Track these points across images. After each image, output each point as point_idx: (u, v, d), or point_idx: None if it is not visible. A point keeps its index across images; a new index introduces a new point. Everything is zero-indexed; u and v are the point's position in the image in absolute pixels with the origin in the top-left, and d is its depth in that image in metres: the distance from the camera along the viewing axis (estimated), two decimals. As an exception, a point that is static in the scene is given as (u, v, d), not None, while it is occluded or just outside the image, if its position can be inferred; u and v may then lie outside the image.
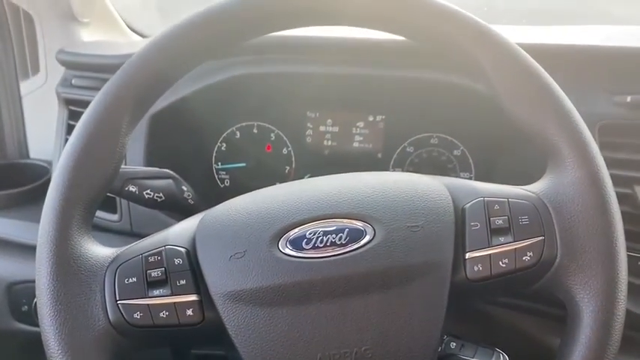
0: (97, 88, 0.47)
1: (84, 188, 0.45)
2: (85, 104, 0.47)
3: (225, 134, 0.89)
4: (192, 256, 0.45)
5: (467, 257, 0.43)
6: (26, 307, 0.85)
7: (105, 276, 0.44)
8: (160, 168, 0.62)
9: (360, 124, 0.87)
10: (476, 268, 0.43)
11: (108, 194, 0.49)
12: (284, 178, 0.90)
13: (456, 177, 0.81)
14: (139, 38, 1.12)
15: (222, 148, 0.90)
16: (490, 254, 0.43)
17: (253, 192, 0.50)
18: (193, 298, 0.43)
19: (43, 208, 0.45)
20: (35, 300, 0.43)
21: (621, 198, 0.45)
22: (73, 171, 0.44)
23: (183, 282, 0.43)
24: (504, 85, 0.47)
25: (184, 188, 0.61)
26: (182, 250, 0.45)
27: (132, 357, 0.45)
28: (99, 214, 0.81)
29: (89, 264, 0.44)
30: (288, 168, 0.90)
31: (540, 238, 0.43)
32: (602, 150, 0.46)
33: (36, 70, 1.01)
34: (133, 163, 0.77)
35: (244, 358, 0.42)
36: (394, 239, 0.43)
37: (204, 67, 0.76)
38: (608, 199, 0.43)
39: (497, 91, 0.47)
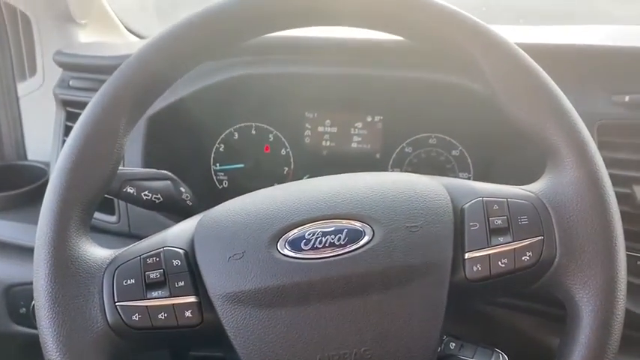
0: (95, 90, 0.47)
1: (82, 190, 0.45)
2: (82, 105, 0.47)
3: (223, 135, 0.89)
4: (190, 257, 0.45)
5: (466, 257, 0.43)
6: (24, 309, 0.84)
7: (103, 278, 0.43)
8: (158, 169, 0.61)
9: (359, 124, 0.87)
10: (475, 269, 0.43)
11: (106, 196, 0.49)
12: (282, 179, 0.90)
13: (455, 177, 0.81)
14: (136, 39, 1.12)
15: (221, 149, 0.90)
16: (489, 254, 0.43)
17: (252, 193, 0.49)
18: (192, 299, 0.43)
19: (40, 209, 0.44)
20: (33, 302, 0.43)
21: (620, 198, 0.45)
22: (71, 172, 0.44)
23: (181, 283, 0.43)
24: (503, 85, 0.47)
25: (182, 189, 0.61)
26: (180, 251, 0.45)
27: (130, 359, 0.45)
28: (97, 215, 0.81)
29: (87, 266, 0.43)
30: (286, 169, 0.90)
31: (539, 237, 0.43)
32: (601, 149, 0.46)
33: (33, 71, 1.01)
34: (131, 165, 0.77)
35: (243, 359, 0.42)
36: (393, 240, 0.43)
37: (203, 68, 0.76)
38: (607, 198, 0.43)
39: (495, 90, 0.47)
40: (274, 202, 0.46)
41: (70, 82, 0.85)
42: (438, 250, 0.43)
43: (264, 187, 0.50)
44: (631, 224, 0.64)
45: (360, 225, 0.44)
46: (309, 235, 0.43)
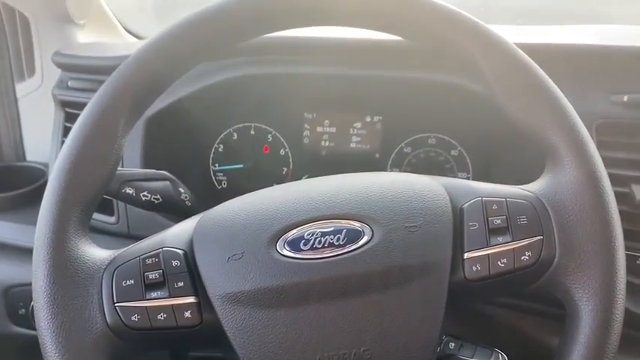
0: (94, 90, 0.47)
1: (80, 190, 0.44)
2: (81, 106, 0.47)
3: (222, 136, 0.89)
4: (189, 258, 0.45)
5: (465, 257, 0.43)
6: (23, 310, 0.84)
7: (102, 278, 0.43)
8: (157, 170, 0.61)
9: (358, 124, 0.87)
10: (474, 268, 0.43)
11: (105, 196, 0.49)
12: (281, 180, 0.90)
13: (454, 177, 0.82)
14: (135, 40, 1.12)
15: (220, 149, 0.90)
16: (488, 254, 0.43)
17: (251, 193, 0.49)
18: (191, 300, 0.43)
19: (39, 210, 0.44)
20: (32, 303, 0.43)
21: (619, 197, 0.45)
22: (70, 173, 0.44)
23: (181, 284, 0.43)
24: (502, 85, 0.47)
25: (181, 190, 0.61)
26: (180, 252, 0.45)
27: None
28: (96, 216, 0.80)
29: (86, 266, 0.43)
30: (285, 169, 0.90)
31: (539, 237, 0.43)
32: (600, 149, 0.46)
33: (32, 72, 1.00)
34: (130, 165, 0.77)
35: (243, 359, 0.42)
36: (392, 240, 0.43)
37: (201, 69, 0.76)
38: (606, 198, 0.43)
39: (494, 90, 0.47)
40: (273, 202, 0.46)
41: (69, 83, 0.85)
42: (437, 250, 0.43)
43: (263, 188, 0.50)
44: (630, 224, 0.64)
45: (359, 225, 0.44)
46: (308, 235, 0.43)
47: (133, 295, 0.43)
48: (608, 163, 0.46)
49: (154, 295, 0.43)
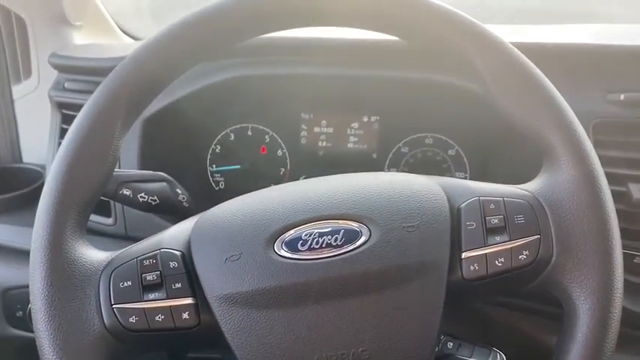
0: (90, 92, 0.47)
1: (77, 192, 0.44)
2: (78, 108, 0.47)
3: (219, 136, 0.89)
4: (187, 259, 0.44)
5: (463, 257, 0.43)
6: (21, 312, 0.84)
7: (100, 280, 0.43)
8: (155, 171, 0.61)
9: (355, 124, 0.87)
10: (472, 268, 0.43)
11: (102, 198, 0.49)
12: (279, 180, 0.90)
13: (451, 177, 0.82)
14: (131, 41, 1.12)
15: (217, 150, 0.90)
16: (486, 253, 0.43)
17: (248, 194, 0.49)
18: (189, 301, 0.43)
19: (36, 212, 0.44)
20: (30, 305, 0.43)
21: (616, 196, 0.46)
22: (66, 175, 0.44)
23: (178, 285, 0.43)
24: (498, 85, 0.47)
25: (179, 191, 0.61)
26: (177, 253, 0.44)
27: None
28: (93, 217, 0.80)
29: (84, 268, 0.43)
30: (283, 170, 0.90)
31: (536, 236, 0.43)
32: (597, 148, 0.46)
33: (28, 73, 1.00)
34: (127, 167, 0.77)
35: None
36: (390, 240, 0.43)
37: (198, 70, 0.76)
38: (603, 197, 0.43)
39: (491, 90, 0.47)
40: (271, 203, 0.46)
41: (66, 85, 0.84)
42: (435, 250, 0.43)
43: (260, 188, 0.50)
44: (627, 222, 0.64)
45: (356, 225, 0.44)
46: (305, 235, 0.43)
47: (130, 296, 0.43)
48: (605, 162, 0.46)
49: (151, 296, 0.43)
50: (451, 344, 0.49)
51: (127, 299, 0.42)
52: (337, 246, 0.43)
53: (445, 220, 0.44)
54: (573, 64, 0.71)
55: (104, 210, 0.80)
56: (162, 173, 0.61)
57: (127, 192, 0.57)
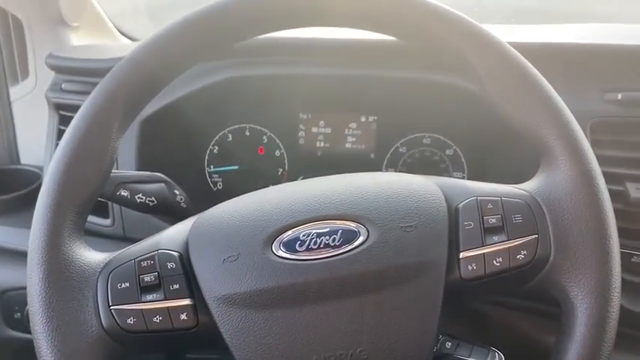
0: (88, 93, 0.47)
1: (75, 193, 0.44)
2: (75, 109, 0.47)
3: (217, 137, 0.89)
4: (185, 260, 0.44)
5: (461, 257, 0.43)
6: (19, 314, 0.84)
7: (97, 281, 0.43)
8: (152, 172, 0.61)
9: (353, 125, 0.87)
10: (470, 268, 0.43)
11: (99, 199, 0.49)
12: (277, 181, 0.90)
13: (449, 177, 0.82)
14: (129, 42, 1.12)
15: (215, 151, 0.90)
16: (484, 253, 0.43)
17: (246, 195, 0.49)
18: (187, 302, 0.43)
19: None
20: (28, 307, 0.43)
21: (613, 195, 0.46)
22: (64, 176, 0.44)
23: (176, 286, 0.43)
24: (496, 85, 0.47)
25: (176, 192, 0.61)
26: (175, 254, 0.44)
27: None
28: (91, 219, 0.80)
29: (81, 270, 0.43)
30: (280, 170, 0.90)
31: (534, 236, 0.43)
32: (594, 147, 0.46)
33: (25, 75, 1.00)
34: (125, 167, 0.77)
35: None
36: (388, 240, 0.43)
37: (196, 70, 0.76)
38: (600, 196, 0.43)
39: (488, 90, 0.47)
40: (268, 203, 0.46)
41: (63, 86, 0.84)
42: (433, 250, 0.43)
43: (258, 189, 0.50)
44: (625, 222, 0.64)
45: (354, 225, 0.44)
46: (303, 236, 0.43)
47: (128, 297, 0.42)
48: (602, 161, 0.46)
49: (149, 297, 0.43)
50: (449, 344, 0.49)
51: (124, 300, 0.42)
52: (335, 246, 0.43)
53: (443, 220, 0.44)
54: (570, 64, 0.71)
55: (102, 211, 0.80)
56: (159, 174, 0.61)
57: (124, 193, 0.57)
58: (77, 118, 0.46)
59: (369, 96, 0.83)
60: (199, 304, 0.43)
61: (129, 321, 0.42)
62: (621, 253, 0.43)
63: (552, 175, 0.45)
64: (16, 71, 1.01)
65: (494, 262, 0.43)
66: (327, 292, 0.42)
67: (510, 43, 0.47)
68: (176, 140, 0.84)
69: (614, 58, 0.71)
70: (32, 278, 0.42)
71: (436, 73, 0.74)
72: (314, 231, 0.43)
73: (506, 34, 0.78)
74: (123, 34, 1.11)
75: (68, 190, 0.44)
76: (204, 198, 0.89)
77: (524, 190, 0.46)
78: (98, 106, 0.46)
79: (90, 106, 0.46)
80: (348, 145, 0.88)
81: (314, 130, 0.87)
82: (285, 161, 0.89)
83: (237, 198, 0.49)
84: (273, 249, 0.43)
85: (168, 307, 0.42)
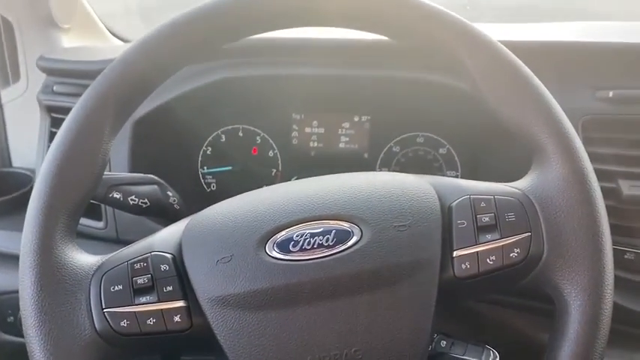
0: (79, 95, 0.47)
1: (66, 196, 0.44)
2: (67, 111, 0.47)
3: (210, 138, 0.89)
4: (178, 261, 0.44)
5: (454, 255, 0.43)
6: (12, 317, 0.83)
7: (90, 284, 0.43)
8: (146, 173, 0.61)
9: (346, 124, 0.87)
10: (464, 266, 0.43)
11: (92, 201, 0.49)
12: (271, 181, 0.90)
13: (443, 175, 0.82)
14: (121, 43, 1.11)
15: (208, 152, 0.89)
16: (477, 252, 0.43)
17: (239, 195, 0.49)
18: (181, 304, 0.43)
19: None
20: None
21: (606, 192, 0.46)
22: (55, 178, 0.44)
23: (170, 288, 0.43)
24: (488, 84, 0.47)
25: (170, 193, 0.61)
26: (168, 256, 0.44)
27: None
28: (84, 221, 0.80)
29: (74, 272, 0.43)
30: (274, 170, 0.90)
31: (527, 234, 0.43)
32: (586, 145, 0.46)
33: (16, 77, 0.99)
34: (118, 169, 0.77)
35: None
36: (381, 239, 0.43)
37: (189, 71, 0.76)
38: (592, 194, 0.43)
39: (481, 89, 0.48)
40: (262, 204, 0.46)
41: (54, 88, 0.84)
42: (427, 249, 0.43)
43: (252, 190, 0.50)
44: (617, 219, 0.64)
45: (348, 225, 0.44)
46: (297, 236, 0.43)
47: (121, 300, 0.42)
48: (595, 158, 0.47)
49: (142, 299, 0.42)
50: (444, 342, 0.49)
51: (118, 303, 0.42)
52: (329, 246, 0.43)
53: (436, 218, 0.44)
54: (562, 62, 0.71)
55: (95, 213, 0.79)
56: (152, 176, 0.61)
57: (117, 195, 0.57)
58: (68, 120, 0.46)
59: (362, 96, 0.83)
60: (193, 306, 0.43)
61: (122, 323, 0.42)
62: (614, 250, 0.44)
63: (545, 173, 0.45)
64: (7, 74, 1.00)
65: (488, 260, 0.43)
66: (320, 293, 0.42)
67: (502, 42, 0.48)
68: (169, 141, 0.83)
69: (605, 55, 0.71)
70: (24, 282, 0.42)
71: (429, 73, 0.74)
72: (307, 231, 0.43)
73: (499, 32, 0.78)
74: (114, 35, 1.11)
75: (60, 192, 0.44)
76: (197, 199, 0.89)
77: (516, 188, 0.46)
78: (89, 108, 0.46)
79: (81, 108, 0.46)
80: (341, 145, 0.88)
81: (307, 130, 0.87)
82: (279, 162, 0.89)
83: (230, 199, 0.49)
84: (267, 250, 0.43)
85: (161, 309, 0.42)
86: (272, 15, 0.49)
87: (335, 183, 0.48)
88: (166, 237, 0.46)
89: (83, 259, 0.44)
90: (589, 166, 0.44)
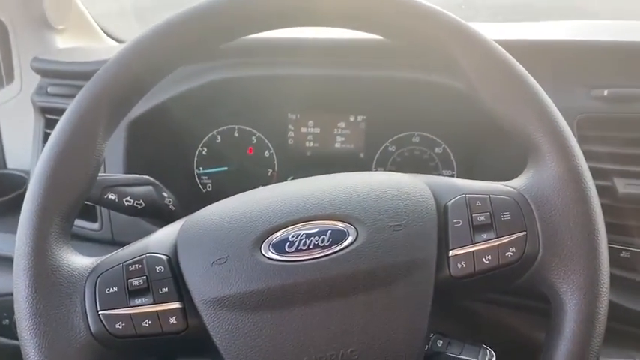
0: (74, 96, 0.47)
1: (60, 198, 0.44)
2: (61, 112, 0.46)
3: (206, 139, 0.89)
4: (174, 263, 0.44)
5: (450, 255, 0.43)
6: (7, 320, 0.83)
7: (85, 286, 0.43)
8: (141, 174, 0.61)
9: (342, 124, 0.87)
10: (459, 266, 0.43)
11: (87, 203, 0.48)
12: (267, 181, 0.89)
13: (439, 175, 0.82)
14: (116, 44, 1.11)
15: (204, 152, 0.89)
16: (473, 251, 0.43)
17: (234, 196, 0.49)
18: (176, 305, 0.42)
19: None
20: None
21: (601, 191, 0.46)
22: (49, 180, 0.43)
23: (165, 290, 0.43)
24: (483, 83, 0.47)
25: (165, 194, 0.60)
26: (163, 257, 0.44)
27: None
28: (79, 223, 0.80)
29: (68, 275, 0.43)
30: (270, 171, 0.89)
31: (522, 233, 0.43)
32: (581, 143, 0.46)
33: (11, 78, 0.99)
34: (113, 170, 0.76)
35: None
36: (377, 239, 0.43)
37: (184, 72, 0.76)
38: (587, 192, 0.43)
39: (476, 89, 0.48)
40: (257, 204, 0.46)
41: (49, 89, 0.83)
42: (422, 249, 0.43)
43: (248, 190, 0.50)
44: (613, 217, 0.64)
45: (343, 225, 0.44)
46: (292, 237, 0.43)
47: (116, 302, 0.42)
48: (590, 157, 0.47)
49: (138, 301, 0.42)
50: (441, 342, 0.49)
51: (113, 305, 0.42)
52: (325, 246, 0.43)
53: (432, 218, 0.44)
54: (557, 61, 0.71)
55: (90, 215, 0.79)
56: (147, 177, 0.61)
57: (112, 196, 0.56)
58: (62, 122, 0.45)
59: (357, 96, 0.83)
60: (189, 307, 0.42)
61: (117, 325, 0.41)
62: (610, 248, 0.44)
63: (540, 172, 0.45)
64: (1, 75, 1.00)
65: (484, 259, 0.43)
66: (316, 293, 0.42)
67: (497, 41, 0.48)
68: (165, 142, 0.83)
69: (600, 54, 0.72)
70: (18, 284, 0.42)
71: (424, 72, 0.74)
72: (303, 231, 0.43)
73: (494, 31, 0.78)
74: (109, 35, 1.10)
75: (54, 194, 0.43)
76: (193, 200, 0.89)
77: (512, 187, 0.46)
78: (83, 109, 0.45)
79: (75, 109, 0.45)
80: (337, 145, 0.88)
81: (303, 130, 0.87)
82: (275, 162, 0.89)
83: (225, 200, 0.49)
84: (262, 250, 0.43)
85: (157, 311, 0.42)
86: (267, 15, 0.48)
87: (330, 183, 0.47)
88: (161, 238, 0.46)
89: (78, 261, 0.44)
90: (584, 165, 0.44)
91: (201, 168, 0.90)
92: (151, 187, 0.60)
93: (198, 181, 0.90)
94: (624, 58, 0.71)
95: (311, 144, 0.88)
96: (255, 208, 0.46)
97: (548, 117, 0.45)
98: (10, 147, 1.03)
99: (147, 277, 0.43)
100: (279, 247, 0.43)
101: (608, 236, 0.44)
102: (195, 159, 0.89)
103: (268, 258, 0.43)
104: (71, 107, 0.46)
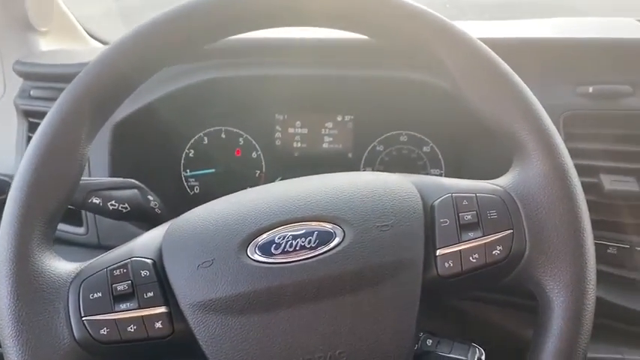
0: (56, 99, 0.46)
1: (42, 203, 0.43)
2: (44, 115, 0.46)
3: (192, 140, 0.88)
4: (159, 267, 0.43)
5: (437, 254, 0.43)
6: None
7: (68, 292, 0.42)
8: (127, 177, 0.60)
9: (329, 124, 0.87)
10: (447, 265, 0.43)
11: (71, 207, 0.48)
12: (255, 183, 0.89)
13: (427, 174, 0.82)
14: (100, 45, 1.10)
15: (191, 154, 0.89)
16: (460, 250, 0.43)
17: (220, 198, 0.49)
18: (162, 310, 0.42)
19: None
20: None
21: (587, 187, 0.46)
22: (31, 185, 0.43)
23: (150, 294, 0.42)
24: (468, 82, 0.47)
25: (150, 197, 0.60)
26: (148, 261, 0.44)
27: None
28: (64, 227, 0.79)
29: (51, 280, 0.42)
30: (258, 172, 0.89)
31: (509, 231, 0.43)
32: (567, 141, 0.47)
33: (-7, 82, 0.98)
34: (98, 174, 0.76)
35: None
36: (364, 240, 0.43)
37: (169, 72, 0.75)
38: (573, 189, 0.43)
39: (460, 87, 0.47)
40: (243, 206, 0.46)
41: (31, 92, 0.82)
42: (410, 248, 0.43)
43: (236, 192, 0.49)
44: (599, 214, 0.65)
45: (330, 226, 0.43)
46: (279, 239, 0.43)
47: (101, 307, 0.41)
48: (576, 154, 0.47)
49: (123, 306, 0.42)
50: (430, 341, 0.49)
51: (97, 311, 0.41)
52: (311, 248, 0.42)
53: (419, 217, 0.44)
54: (542, 59, 0.71)
55: (75, 219, 0.78)
56: (132, 180, 0.60)
57: (96, 200, 0.56)
58: (43, 125, 0.45)
59: (344, 95, 0.82)
60: (174, 312, 0.42)
61: (102, 331, 0.41)
62: (597, 244, 0.44)
63: (525, 170, 0.45)
64: (-17, 79, 0.99)
65: (471, 258, 0.43)
66: (303, 295, 0.41)
67: (483, 40, 0.48)
68: (151, 144, 0.82)
69: (585, 51, 0.72)
70: (0, 291, 0.41)
71: (411, 72, 0.74)
72: (289, 233, 0.43)
73: (479, 30, 0.78)
74: (93, 37, 1.09)
75: (35, 199, 0.43)
76: (181, 202, 0.88)
77: (498, 185, 0.46)
78: (65, 112, 0.45)
79: (56, 112, 0.45)
80: (325, 145, 0.87)
81: (290, 130, 0.87)
82: (263, 163, 0.89)
83: (211, 202, 0.48)
84: (249, 253, 0.43)
85: (142, 316, 0.41)
86: (254, 15, 0.48)
87: (317, 184, 0.47)
88: (146, 242, 0.46)
89: (61, 266, 0.43)
90: (569, 162, 0.44)
91: (188, 170, 0.89)
92: (136, 191, 0.59)
93: (185, 184, 0.90)
94: (609, 55, 0.71)
95: (299, 144, 0.87)
96: (241, 210, 0.45)
97: (534, 115, 0.45)
98: (-7, 151, 1.01)
99: (132, 282, 0.42)
100: (265, 249, 0.43)
101: (595, 233, 0.44)
102: (182, 161, 0.89)
103: (254, 260, 0.42)
104: (53, 109, 0.45)
